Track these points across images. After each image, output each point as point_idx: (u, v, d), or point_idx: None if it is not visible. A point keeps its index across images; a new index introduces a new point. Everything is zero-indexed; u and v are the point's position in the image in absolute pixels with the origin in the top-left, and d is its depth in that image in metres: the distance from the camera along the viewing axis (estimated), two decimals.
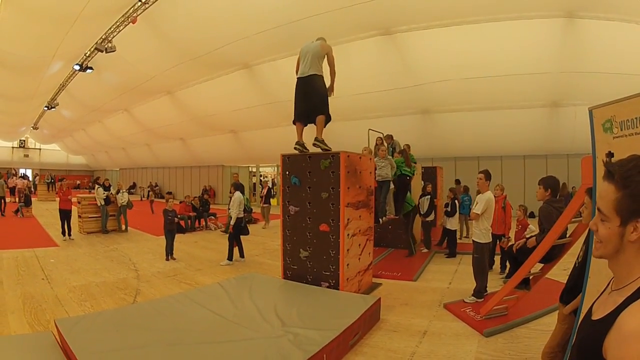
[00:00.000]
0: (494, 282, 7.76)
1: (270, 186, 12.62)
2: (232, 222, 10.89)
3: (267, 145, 23.00)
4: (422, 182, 12.87)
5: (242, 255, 11.28)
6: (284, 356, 4.55)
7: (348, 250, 7.35)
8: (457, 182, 14.73)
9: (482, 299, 6.84)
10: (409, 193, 11.10)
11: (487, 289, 7.12)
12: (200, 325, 5.69)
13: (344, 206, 7.13)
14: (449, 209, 11.16)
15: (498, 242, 8.84)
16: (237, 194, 11.22)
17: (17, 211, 20.77)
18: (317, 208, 7.45)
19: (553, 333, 3.81)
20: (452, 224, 11.14)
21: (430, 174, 13.37)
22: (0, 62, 17.02)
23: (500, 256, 9.24)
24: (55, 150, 51.15)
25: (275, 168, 29.50)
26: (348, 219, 7.29)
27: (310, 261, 7.64)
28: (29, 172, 47.91)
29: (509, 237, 8.95)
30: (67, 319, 6.05)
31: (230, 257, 10.95)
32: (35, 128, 39.07)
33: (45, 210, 22.95)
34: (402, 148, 11.58)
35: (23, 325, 6.42)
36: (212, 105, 21.83)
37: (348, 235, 7.31)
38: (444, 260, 10.59)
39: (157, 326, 5.63)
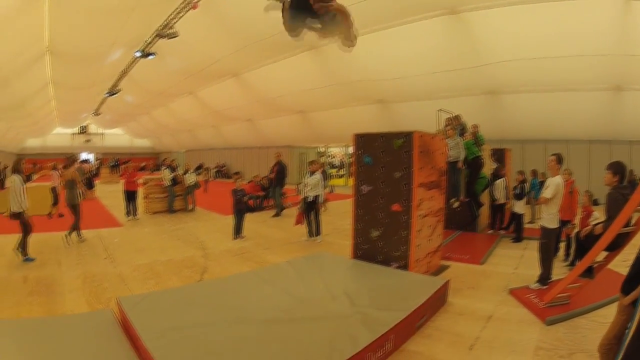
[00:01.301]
0: (558, 269, 7.56)
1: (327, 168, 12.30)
2: (309, 199, 11.22)
3: (336, 126, 23.15)
4: (494, 163, 12.63)
5: (318, 233, 11.40)
6: (351, 336, 4.61)
7: (419, 231, 7.33)
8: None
9: (547, 286, 6.72)
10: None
11: (551, 276, 6.97)
12: (267, 303, 5.77)
13: (416, 186, 7.10)
14: (517, 192, 10.89)
15: (564, 229, 8.57)
16: (319, 175, 11.40)
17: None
18: (389, 188, 7.43)
19: (611, 324, 3.72)
20: (520, 207, 10.85)
21: (499, 156, 13.08)
22: (58, 52, 17.58)
23: (565, 243, 8.99)
24: (118, 134, 52.12)
25: (343, 148, 29.56)
26: (420, 200, 7.26)
27: (381, 241, 7.64)
28: (91, 157, 49.06)
29: (574, 224, 8.76)
30: (130, 296, 6.13)
31: (310, 234, 11.35)
32: (97, 114, 39.79)
33: (108, 193, 23.42)
34: (471, 129, 11.40)
35: (81, 304, 6.55)
36: (279, 87, 21.79)
37: (420, 216, 7.29)
38: (510, 245, 10.41)
39: (224, 304, 5.74)
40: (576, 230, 8.11)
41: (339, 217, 14.73)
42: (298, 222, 11.76)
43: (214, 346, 4.45)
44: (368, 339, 4.52)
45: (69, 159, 10.63)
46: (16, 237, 9.14)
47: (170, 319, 5.08)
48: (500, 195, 11.51)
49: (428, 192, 7.57)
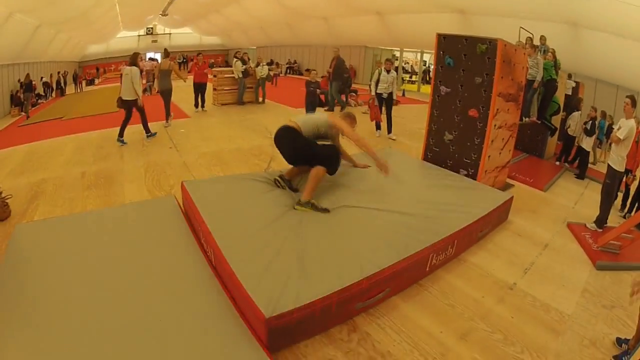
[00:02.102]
0: (612, 217, 7.23)
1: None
2: (383, 96, 11.12)
3: (413, 31, 22.20)
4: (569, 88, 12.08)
5: (390, 130, 11.39)
6: (414, 235, 4.54)
7: (492, 141, 7.07)
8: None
9: (602, 229, 6.47)
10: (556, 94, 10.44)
11: (607, 220, 6.72)
12: (334, 191, 5.68)
13: (495, 94, 6.76)
14: (588, 128, 10.32)
15: (624, 178, 8.10)
16: (394, 72, 11.33)
17: (144, 90, 21.23)
18: (468, 92, 7.15)
19: None
20: (588, 144, 10.26)
21: (574, 90, 12.40)
22: None
23: (623, 193, 8.52)
24: (186, 33, 51.57)
25: (418, 55, 28.79)
26: (497, 109, 6.92)
27: (453, 145, 7.51)
28: (157, 56, 49.15)
29: (635, 175, 8.31)
30: (195, 180, 6.06)
31: (379, 128, 11.55)
32: (164, 15, 39.56)
33: (176, 88, 23.45)
34: (551, 51, 10.73)
35: (142, 193, 6.60)
36: None
37: (495, 126, 6.99)
38: (573, 180, 9.94)
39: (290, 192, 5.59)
40: (637, 181, 7.91)
41: (410, 120, 14.31)
42: (374, 117, 11.65)
43: (273, 227, 4.44)
44: (431, 239, 4.46)
45: (132, 57, 10.64)
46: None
47: (233, 201, 5.06)
48: (575, 127, 10.92)
49: (506, 103, 7.19)
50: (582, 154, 10.33)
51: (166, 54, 12.73)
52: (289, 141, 5.49)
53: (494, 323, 3.87)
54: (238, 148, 9.22)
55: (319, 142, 5.56)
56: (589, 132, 10.12)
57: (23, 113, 20.16)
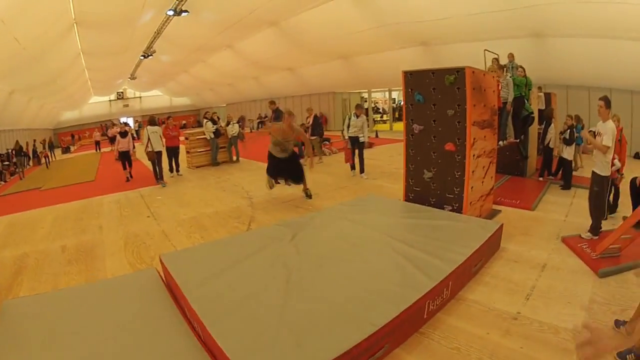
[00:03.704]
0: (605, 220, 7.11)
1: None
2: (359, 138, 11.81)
3: (380, 70, 22.43)
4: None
5: (362, 171, 12.13)
6: (409, 283, 4.42)
7: (473, 171, 7.00)
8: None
9: (598, 236, 6.35)
10: (526, 102, 10.47)
11: (602, 226, 6.59)
12: (318, 248, 5.62)
13: (470, 124, 6.71)
14: (567, 137, 10.31)
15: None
16: (364, 117, 12.03)
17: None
18: (442, 126, 7.10)
19: None
20: (569, 153, 10.21)
21: (546, 100, 12.48)
22: (86, 22, 17.33)
23: (613, 194, 8.34)
24: (156, 95, 52.26)
25: (385, 94, 29.17)
26: (474, 139, 6.88)
27: (434, 182, 7.41)
28: (130, 120, 49.16)
29: (623, 174, 8.17)
30: (172, 252, 6.11)
31: (353, 168, 12.45)
32: (132, 78, 39.93)
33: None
34: (509, 58, 10.98)
35: (123, 266, 6.54)
36: (320, 33, 21.04)
37: (474, 156, 6.94)
38: (559, 192, 9.87)
39: (271, 251, 5.58)
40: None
41: (386, 161, 14.49)
42: (348, 159, 12.45)
43: (258, 295, 4.32)
44: (427, 285, 4.31)
45: (151, 118, 12.74)
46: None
47: (214, 271, 4.97)
48: (555, 139, 10.92)
49: (481, 131, 7.17)
50: (565, 163, 10.28)
51: (110, 125, 13.73)
52: None
53: (504, 357, 3.73)
54: (216, 212, 9.24)
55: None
56: (568, 142, 10.11)
57: (1, 182, 20.36)
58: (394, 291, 4.23)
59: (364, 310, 3.89)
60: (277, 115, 14.41)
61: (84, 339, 3.85)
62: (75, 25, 17.28)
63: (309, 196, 9.59)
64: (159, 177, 13.21)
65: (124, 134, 14.70)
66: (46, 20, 14.31)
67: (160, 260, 5.39)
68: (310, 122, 15.53)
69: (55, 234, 8.80)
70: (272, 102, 15.26)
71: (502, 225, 6.24)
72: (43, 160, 25.81)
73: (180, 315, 4.20)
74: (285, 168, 9.58)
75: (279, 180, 9.92)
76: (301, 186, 9.77)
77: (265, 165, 10.06)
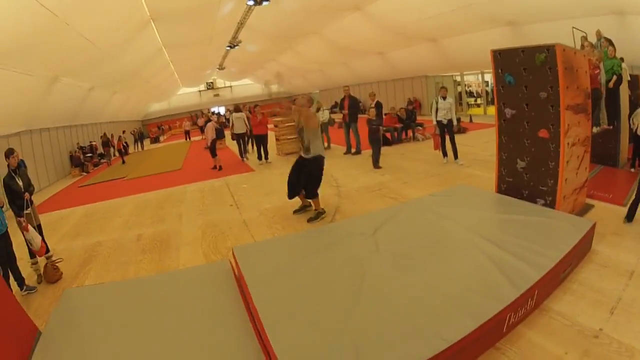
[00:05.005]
0: None
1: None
2: (443, 122, 11.31)
3: (469, 52, 21.53)
4: None
5: (456, 156, 11.50)
6: (491, 291, 3.98)
7: (567, 162, 6.35)
8: None
9: None
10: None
11: None
12: (398, 246, 5.29)
13: (564, 108, 6.10)
14: None
15: None
16: (451, 98, 11.57)
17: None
18: (535, 111, 6.50)
19: None
20: None
21: (633, 83, 11.42)
22: (162, 18, 17.67)
23: None
24: (247, 84, 52.71)
25: (479, 76, 27.89)
26: (568, 125, 6.24)
27: (527, 173, 6.83)
28: (222, 109, 50.29)
29: None
30: (246, 245, 6.05)
31: (445, 154, 11.66)
32: (221, 68, 40.66)
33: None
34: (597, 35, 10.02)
35: (197, 257, 6.52)
36: (404, 16, 20.42)
37: (568, 144, 6.29)
38: None
39: (349, 247, 5.38)
40: None
41: (480, 147, 13.68)
42: (437, 146, 11.85)
43: (325, 298, 4.11)
44: (511, 295, 3.85)
45: (236, 106, 13.31)
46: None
47: (285, 268, 4.82)
48: None
49: (575, 116, 6.51)
50: None
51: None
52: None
53: None
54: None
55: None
56: None
57: (84, 173, 21.26)
58: (474, 300, 3.82)
59: (437, 322, 3.51)
60: (353, 103, 14.10)
61: (138, 332, 3.86)
62: (152, 21, 17.67)
63: (314, 218, 7.64)
64: (243, 155, 15.65)
65: (206, 122, 15.41)
66: (118, 18, 14.68)
67: (232, 253, 5.30)
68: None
69: (132, 222, 9.00)
70: (345, 87, 14.92)
71: (594, 225, 5.59)
72: (116, 154, 25.33)
73: (245, 311, 4.08)
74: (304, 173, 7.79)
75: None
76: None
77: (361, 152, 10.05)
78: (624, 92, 9.94)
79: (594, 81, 7.90)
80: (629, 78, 10.41)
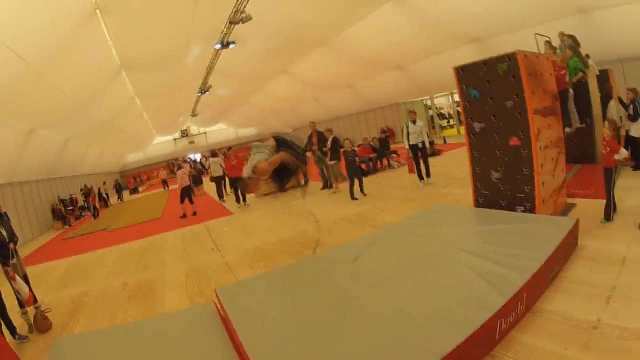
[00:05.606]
0: None
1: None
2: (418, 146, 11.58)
3: (437, 74, 21.42)
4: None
5: (429, 175, 11.88)
6: (478, 300, 3.99)
7: (542, 165, 6.44)
8: None
9: None
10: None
11: None
12: (380, 269, 5.36)
13: (532, 114, 6.20)
14: (631, 113, 9.39)
15: None
16: (421, 122, 11.88)
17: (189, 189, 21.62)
18: (503, 121, 6.62)
19: None
20: (636, 130, 9.40)
21: (603, 79, 11.63)
22: (133, 66, 17.90)
23: None
24: (222, 129, 53.08)
25: (449, 98, 28.45)
26: (538, 129, 6.35)
27: (503, 183, 6.90)
28: (198, 156, 50.84)
29: None
30: (229, 285, 6.06)
31: (421, 177, 11.86)
32: (194, 115, 40.74)
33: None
34: (572, 43, 10.11)
35: (182, 300, 6.55)
36: (370, 45, 20.80)
37: (541, 148, 6.39)
38: (631, 174, 9.11)
39: (331, 277, 5.37)
40: None
41: (456, 166, 13.80)
42: (411, 170, 12.12)
43: (311, 327, 4.11)
44: (498, 302, 3.83)
45: (212, 152, 13.11)
46: None
47: (269, 303, 4.88)
48: (617, 118, 9.98)
49: (544, 119, 6.63)
50: (634, 142, 9.46)
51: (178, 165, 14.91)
52: None
53: None
54: (281, 239, 9.02)
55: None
56: (633, 118, 9.37)
57: (66, 226, 21.01)
58: (460, 312, 3.81)
59: (425, 338, 3.49)
60: (321, 137, 14.18)
61: None
62: (122, 69, 17.83)
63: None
64: (220, 197, 16.23)
65: (178, 169, 15.51)
66: (90, 67, 14.73)
67: (216, 294, 5.31)
68: (329, 145, 14.49)
69: (117, 272, 9.02)
70: (312, 123, 15.01)
71: (578, 222, 5.65)
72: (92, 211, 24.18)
73: (234, 350, 4.05)
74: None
75: None
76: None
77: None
78: (594, 88, 10.10)
79: (562, 82, 8.02)
80: (597, 73, 10.59)
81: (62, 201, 22.81)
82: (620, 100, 10.14)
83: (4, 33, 9.15)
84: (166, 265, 8.86)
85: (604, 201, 7.02)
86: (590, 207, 7.17)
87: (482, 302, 3.87)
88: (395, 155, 17.42)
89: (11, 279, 5.96)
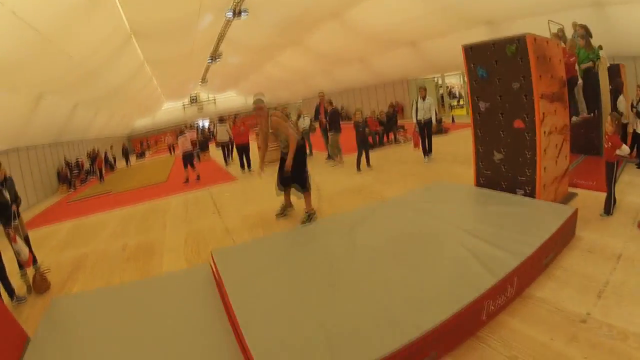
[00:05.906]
0: None
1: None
2: (422, 122, 11.75)
3: (448, 53, 20.76)
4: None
5: (430, 151, 12.03)
6: (468, 279, 3.98)
7: (545, 150, 6.37)
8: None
9: None
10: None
11: None
12: (375, 242, 5.34)
13: (537, 97, 6.12)
14: (639, 110, 9.25)
15: None
16: (430, 99, 12.00)
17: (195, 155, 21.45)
18: (509, 102, 6.53)
19: None
20: None
21: (613, 72, 11.49)
22: (142, 33, 17.86)
23: None
24: (230, 96, 52.85)
25: (460, 78, 28.03)
26: (543, 114, 6.26)
27: (505, 165, 6.85)
28: (206, 123, 50.47)
29: None
30: (224, 248, 6.21)
31: (424, 153, 12.00)
32: (204, 82, 40.84)
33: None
34: (584, 32, 9.93)
35: (179, 262, 6.61)
36: (383, 20, 20.55)
37: (544, 132, 6.31)
38: (635, 171, 8.92)
39: (325, 246, 5.51)
40: None
41: (461, 146, 13.46)
42: (416, 144, 12.31)
43: (300, 295, 4.17)
44: (488, 283, 3.82)
45: (220, 118, 12.91)
46: None
47: (262, 268, 4.91)
48: (626, 113, 9.84)
49: (550, 104, 6.54)
50: (638, 139, 9.33)
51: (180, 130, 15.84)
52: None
53: None
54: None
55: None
56: None
57: (71, 190, 21.05)
58: (450, 290, 3.83)
59: (412, 312, 3.50)
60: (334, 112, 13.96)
61: (122, 334, 3.99)
62: (132, 36, 17.78)
63: (306, 220, 7.28)
64: (226, 161, 17.04)
65: (181, 134, 15.74)
66: (99, 34, 14.72)
67: (211, 256, 5.39)
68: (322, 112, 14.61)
69: (118, 234, 9.09)
70: (320, 93, 15.09)
71: (576, 211, 5.60)
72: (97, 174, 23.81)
73: (225, 312, 4.14)
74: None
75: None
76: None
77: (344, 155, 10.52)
78: (604, 79, 9.91)
79: (570, 70, 7.93)
80: (607, 64, 10.41)
81: (67, 164, 22.74)
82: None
83: (13, 2, 9.07)
84: (167, 228, 8.93)
85: (604, 194, 7.03)
86: (591, 198, 7.14)
87: (472, 281, 3.88)
88: (401, 130, 17.40)
89: (12, 240, 6.01)
